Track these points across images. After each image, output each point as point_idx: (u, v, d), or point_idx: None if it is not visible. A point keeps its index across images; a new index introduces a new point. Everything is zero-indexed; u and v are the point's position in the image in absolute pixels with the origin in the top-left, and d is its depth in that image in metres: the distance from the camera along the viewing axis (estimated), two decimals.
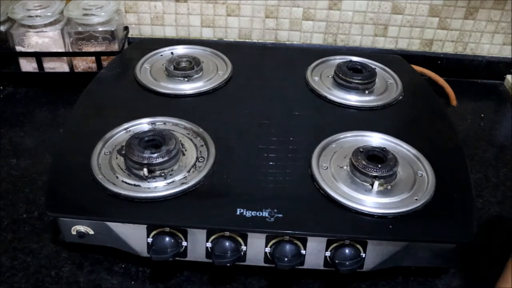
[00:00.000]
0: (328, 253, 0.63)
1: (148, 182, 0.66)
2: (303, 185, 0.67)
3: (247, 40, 1.14)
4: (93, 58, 0.99)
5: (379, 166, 0.65)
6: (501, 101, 1.09)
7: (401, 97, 0.87)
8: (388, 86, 0.90)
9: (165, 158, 0.66)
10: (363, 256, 0.62)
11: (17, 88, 1.02)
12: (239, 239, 0.63)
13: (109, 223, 0.63)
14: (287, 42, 1.14)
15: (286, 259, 0.62)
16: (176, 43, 0.99)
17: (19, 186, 0.78)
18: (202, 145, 0.73)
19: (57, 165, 0.71)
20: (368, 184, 0.66)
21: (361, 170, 0.65)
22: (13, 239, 0.70)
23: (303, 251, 0.63)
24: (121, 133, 0.75)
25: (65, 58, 1.00)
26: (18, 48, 0.99)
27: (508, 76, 1.13)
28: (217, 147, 0.71)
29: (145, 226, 0.63)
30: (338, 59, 0.95)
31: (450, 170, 0.70)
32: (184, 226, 0.62)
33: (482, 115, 1.03)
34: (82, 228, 0.64)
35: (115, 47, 1.01)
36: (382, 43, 1.13)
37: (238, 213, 0.62)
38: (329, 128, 0.77)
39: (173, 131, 0.73)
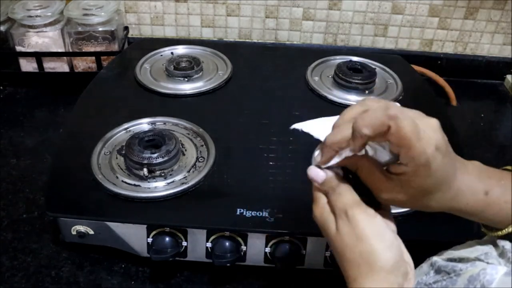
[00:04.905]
0: (328, 253, 0.63)
1: (148, 182, 0.66)
2: (303, 185, 0.67)
3: (247, 40, 1.14)
4: (93, 58, 0.99)
5: None
6: (501, 101, 1.09)
7: (401, 97, 0.87)
8: (388, 86, 0.90)
9: (165, 158, 0.66)
10: None
11: (17, 88, 1.02)
12: (239, 239, 0.63)
13: (109, 223, 0.63)
14: (287, 42, 1.14)
15: (285, 259, 0.62)
16: (176, 43, 0.99)
17: (19, 186, 0.78)
18: (202, 145, 0.73)
19: (57, 165, 0.71)
20: None
21: None
22: (13, 239, 0.70)
23: (303, 251, 0.63)
24: (121, 133, 0.75)
25: (65, 58, 1.00)
26: (18, 48, 0.99)
27: (508, 76, 1.13)
28: (217, 147, 0.71)
29: (145, 226, 0.63)
30: (338, 59, 0.95)
31: None
32: (184, 226, 0.62)
33: (482, 115, 1.03)
34: (82, 228, 0.64)
35: (115, 47, 1.01)
36: (382, 43, 1.13)
37: (238, 213, 0.62)
38: None
39: (173, 131, 0.73)
